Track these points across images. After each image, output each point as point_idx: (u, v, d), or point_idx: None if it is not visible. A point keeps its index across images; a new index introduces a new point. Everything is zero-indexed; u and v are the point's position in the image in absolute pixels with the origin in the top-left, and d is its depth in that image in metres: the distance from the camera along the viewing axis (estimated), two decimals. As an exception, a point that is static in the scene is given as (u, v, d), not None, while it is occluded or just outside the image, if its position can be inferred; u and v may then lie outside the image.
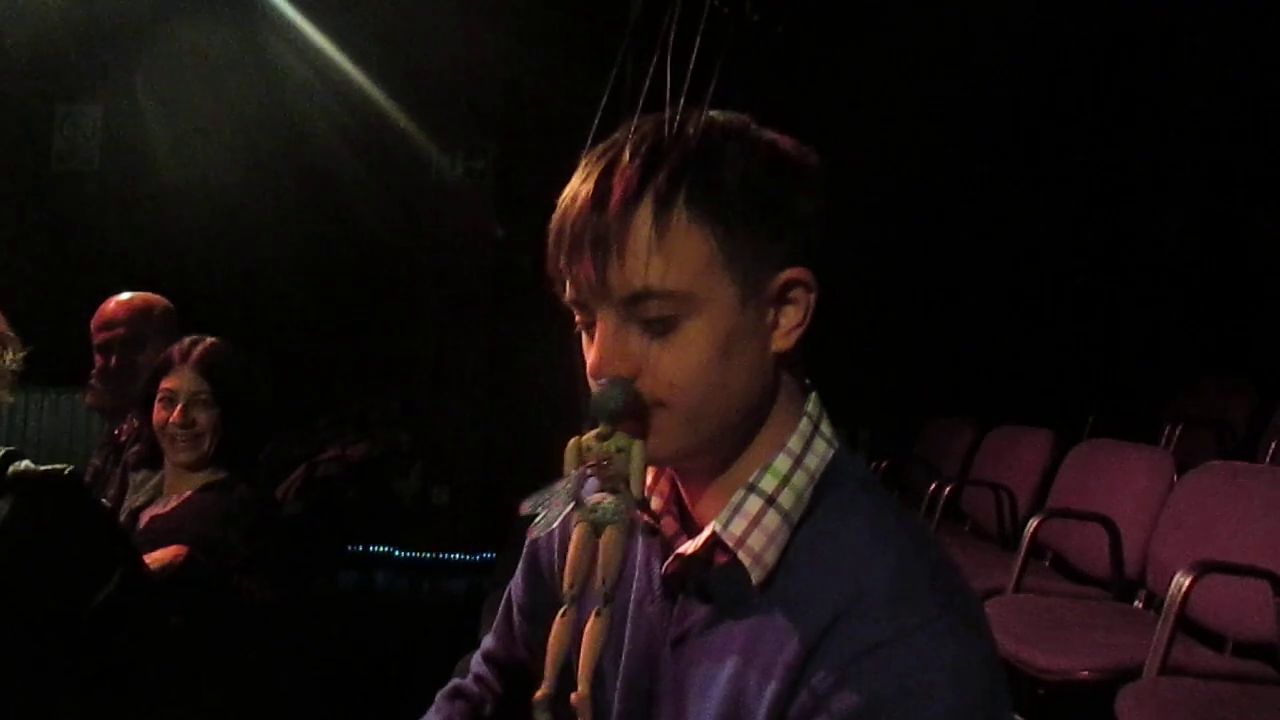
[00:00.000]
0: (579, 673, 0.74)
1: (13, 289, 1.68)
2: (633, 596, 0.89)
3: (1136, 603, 2.74)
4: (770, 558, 0.79)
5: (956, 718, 0.70)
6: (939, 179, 5.03)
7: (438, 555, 5.21)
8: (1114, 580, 2.79)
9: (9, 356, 1.55)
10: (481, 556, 5.17)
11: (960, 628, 0.73)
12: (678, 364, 0.77)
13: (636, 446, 0.77)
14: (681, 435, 0.78)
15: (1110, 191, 5.22)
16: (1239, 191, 4.85)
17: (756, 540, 0.79)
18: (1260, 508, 2.37)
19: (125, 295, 2.49)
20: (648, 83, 0.78)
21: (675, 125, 0.78)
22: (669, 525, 0.87)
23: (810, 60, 4.23)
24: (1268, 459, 3.41)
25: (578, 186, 0.79)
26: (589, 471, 0.77)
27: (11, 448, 1.46)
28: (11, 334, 1.59)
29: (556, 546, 1.00)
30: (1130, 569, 2.76)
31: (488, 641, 1.13)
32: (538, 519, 0.78)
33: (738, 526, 0.79)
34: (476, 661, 1.14)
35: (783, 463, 0.81)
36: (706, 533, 0.81)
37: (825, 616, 0.75)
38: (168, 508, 1.95)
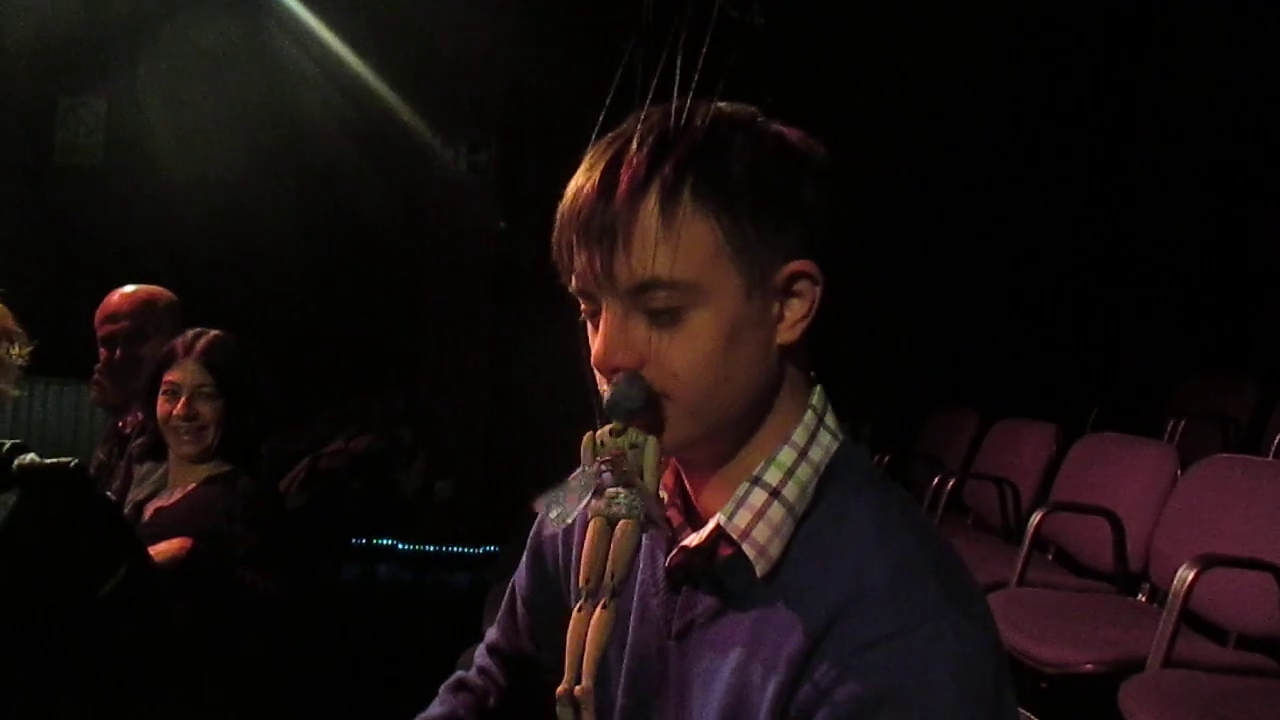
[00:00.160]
0: (584, 666, 0.75)
1: (16, 282, 1.68)
2: (637, 589, 0.89)
3: (1140, 596, 2.74)
4: (774, 550, 0.79)
5: (961, 711, 0.70)
6: (943, 174, 5.03)
7: (441, 548, 5.22)
8: (1117, 574, 2.79)
9: (15, 351, 1.56)
10: (484, 550, 5.17)
11: (964, 621, 0.73)
12: (683, 355, 0.76)
13: (651, 442, 0.77)
14: (686, 426, 0.78)
15: (1113, 186, 5.21)
16: (1242, 187, 4.84)
17: (761, 533, 0.79)
18: (1264, 501, 2.37)
19: (129, 288, 2.49)
20: (655, 80, 0.78)
21: (683, 116, 0.78)
22: (674, 517, 0.87)
23: (814, 57, 4.22)
24: (1271, 453, 3.40)
25: (584, 176, 0.78)
26: (604, 467, 0.77)
27: (17, 440, 1.47)
28: (18, 328, 1.60)
29: (562, 539, 1.00)
30: (1134, 562, 2.76)
31: (491, 634, 1.13)
32: (552, 514, 0.78)
33: (742, 519, 0.79)
34: (480, 654, 1.14)
35: (787, 455, 0.81)
36: (711, 525, 0.81)
37: (829, 609, 0.75)
38: (172, 500, 1.96)
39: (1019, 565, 2.74)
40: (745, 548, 0.79)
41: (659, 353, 0.77)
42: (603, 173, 0.77)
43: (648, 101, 0.79)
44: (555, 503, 0.79)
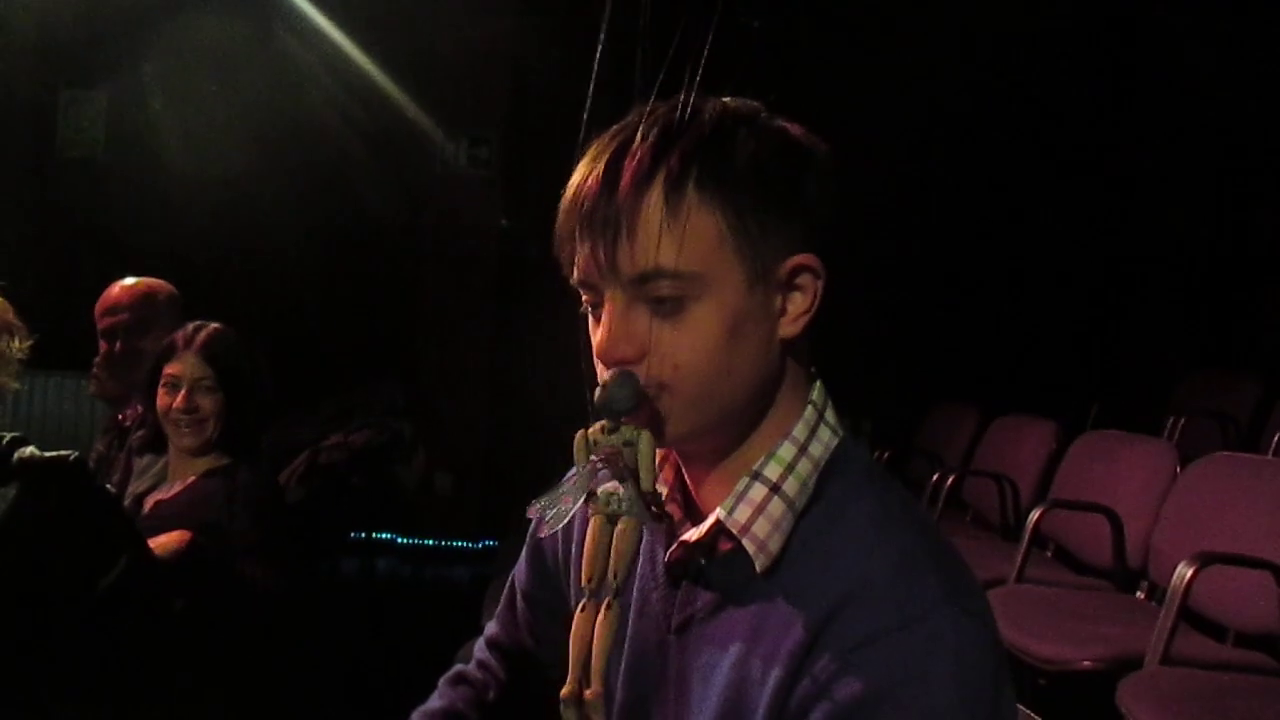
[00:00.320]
0: (592, 668, 0.75)
1: (16, 275, 1.68)
2: (637, 583, 0.89)
3: (1138, 593, 2.75)
4: (775, 545, 0.79)
5: (959, 706, 0.70)
6: (944, 169, 5.03)
7: (440, 542, 5.22)
8: (1116, 571, 2.79)
9: (15, 344, 1.56)
10: (484, 543, 5.18)
11: (964, 617, 0.73)
12: (685, 345, 0.77)
13: (645, 437, 0.77)
14: (687, 418, 0.78)
15: (1114, 183, 5.21)
16: (1243, 184, 4.84)
17: (761, 528, 0.79)
18: (1263, 499, 2.37)
19: (129, 281, 2.49)
20: (660, 76, 0.78)
21: (688, 109, 0.78)
22: (673, 512, 0.87)
23: (816, 54, 4.22)
24: (1271, 451, 3.40)
25: (588, 167, 0.79)
26: (599, 465, 0.77)
27: (17, 434, 1.47)
28: (18, 322, 1.60)
29: (561, 534, 1.00)
30: (1132, 560, 2.76)
31: (491, 628, 1.14)
32: (548, 517, 0.78)
33: (742, 514, 0.79)
34: (479, 648, 1.14)
35: (787, 450, 0.81)
36: (711, 520, 0.81)
37: (829, 604, 0.75)
38: (172, 493, 1.96)
39: (1018, 562, 2.74)
40: (745, 543, 0.79)
41: (661, 343, 0.77)
42: (607, 164, 0.77)
43: (652, 97, 0.79)
44: (551, 506, 0.79)
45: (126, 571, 1.49)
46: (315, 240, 4.86)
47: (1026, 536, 2.75)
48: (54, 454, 1.46)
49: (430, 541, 5.19)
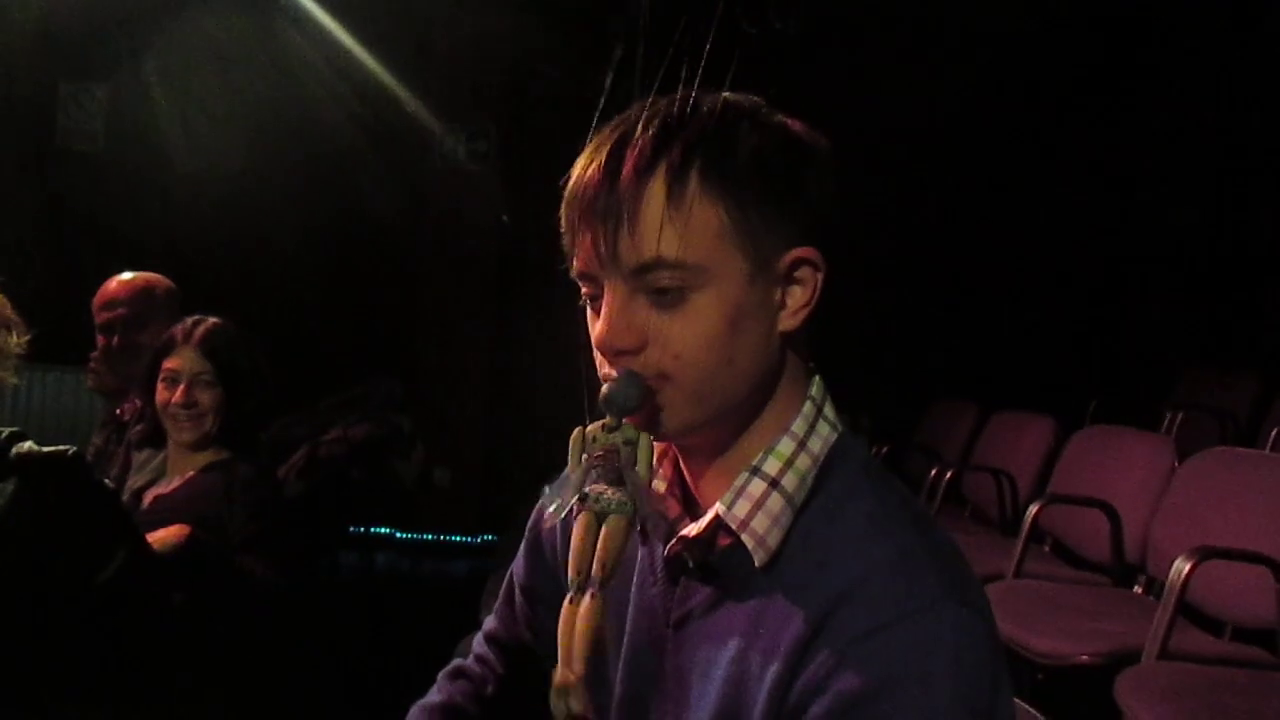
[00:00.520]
0: (574, 653, 0.75)
1: (14, 267, 1.67)
2: (635, 578, 0.89)
3: (1136, 588, 2.75)
4: (773, 540, 0.79)
5: (957, 701, 0.70)
6: (943, 165, 5.02)
7: (439, 536, 5.23)
8: (1114, 565, 2.79)
9: (13, 339, 1.55)
10: (482, 538, 5.19)
11: (962, 611, 0.73)
12: (685, 336, 0.77)
13: (644, 439, 0.78)
14: (687, 410, 0.79)
15: (1113, 179, 5.20)
16: (1241, 179, 4.84)
17: (760, 523, 0.79)
18: (1261, 494, 2.38)
19: (128, 275, 2.49)
20: (661, 69, 0.78)
21: (689, 103, 0.79)
22: (672, 507, 0.87)
23: (816, 49, 4.21)
24: (1268, 446, 3.41)
25: (590, 158, 0.79)
26: (595, 464, 0.77)
27: (15, 429, 1.47)
28: (15, 317, 1.59)
29: (560, 528, 1.00)
30: (1130, 554, 2.76)
31: (489, 622, 1.14)
32: (551, 508, 0.79)
33: (741, 509, 0.79)
34: (478, 642, 1.14)
35: (786, 445, 0.81)
36: (710, 515, 0.81)
37: (827, 599, 0.75)
38: (171, 487, 1.96)
39: (1016, 557, 2.75)
40: (744, 538, 0.79)
41: (661, 333, 0.77)
42: (609, 155, 0.77)
43: (653, 90, 0.79)
44: (554, 496, 0.79)
45: (125, 566, 1.49)
46: (314, 233, 4.86)
47: (1025, 531, 2.75)
48: (52, 449, 1.46)
49: (429, 536, 5.20)
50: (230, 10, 4.84)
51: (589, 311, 0.82)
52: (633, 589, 0.89)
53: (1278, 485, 2.35)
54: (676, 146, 0.76)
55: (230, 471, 1.94)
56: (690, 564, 0.84)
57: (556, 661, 0.76)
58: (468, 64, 5.11)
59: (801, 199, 0.79)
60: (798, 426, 0.82)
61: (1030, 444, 3.60)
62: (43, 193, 4.88)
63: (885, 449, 4.24)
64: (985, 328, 5.03)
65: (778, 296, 0.80)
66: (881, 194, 4.53)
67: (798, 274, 0.80)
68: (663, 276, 0.76)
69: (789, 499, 0.80)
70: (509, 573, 1.11)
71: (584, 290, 0.82)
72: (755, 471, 0.80)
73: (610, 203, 0.76)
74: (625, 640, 0.89)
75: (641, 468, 0.77)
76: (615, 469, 0.77)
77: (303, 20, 4.87)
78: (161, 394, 1.95)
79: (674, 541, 0.84)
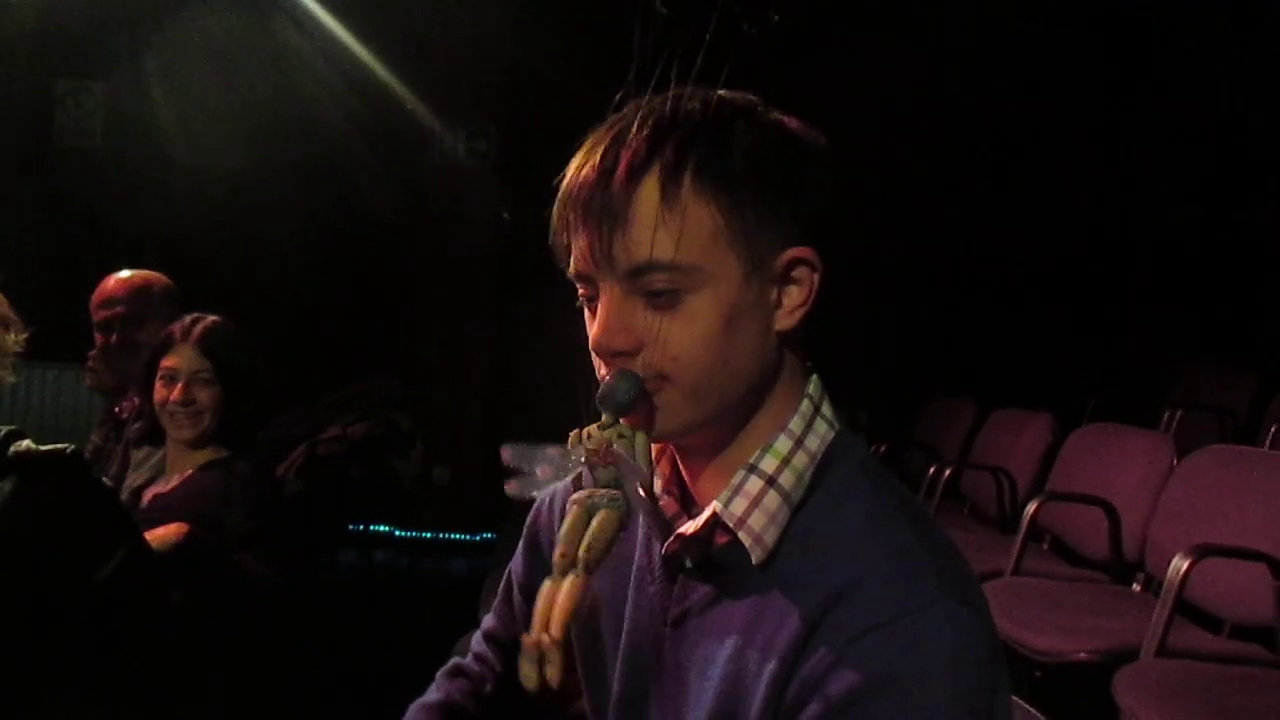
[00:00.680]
0: (552, 619, 0.74)
1: (12, 264, 1.67)
2: (633, 577, 0.89)
3: (1135, 586, 2.75)
4: (771, 538, 0.79)
5: (955, 699, 0.70)
6: (941, 164, 5.02)
7: (438, 535, 5.23)
8: (1113, 563, 2.80)
9: (11, 338, 1.55)
10: (481, 536, 5.19)
11: (960, 609, 0.73)
12: (681, 337, 0.77)
13: (640, 437, 0.78)
14: (684, 410, 0.78)
15: (1112, 177, 5.20)
16: (1240, 177, 4.84)
17: (757, 520, 0.79)
18: (1259, 492, 2.38)
19: (126, 273, 2.49)
20: (658, 67, 0.78)
21: (683, 101, 0.78)
22: (669, 505, 0.87)
23: (814, 46, 4.21)
24: (1267, 444, 3.41)
25: (584, 158, 0.79)
26: (592, 459, 0.77)
27: (13, 427, 1.46)
28: (13, 315, 1.59)
29: (557, 526, 1.00)
30: (1129, 552, 2.76)
31: (488, 621, 1.14)
32: (515, 479, 0.78)
33: (738, 506, 0.79)
34: (477, 641, 1.14)
35: (783, 443, 0.81)
36: (707, 513, 0.81)
37: (824, 597, 0.75)
38: (169, 486, 1.96)
39: (1014, 555, 2.75)
40: (741, 535, 0.79)
41: (657, 335, 0.77)
42: (603, 155, 0.77)
43: (650, 87, 0.79)
44: (525, 461, 0.79)
45: (123, 565, 1.49)
46: (313, 231, 4.86)
47: (1023, 529, 2.75)
48: (50, 447, 1.46)
49: (428, 534, 5.20)
50: (229, 8, 4.83)
51: (586, 312, 0.82)
52: (631, 587, 0.89)
53: (1276, 483, 2.36)
54: (670, 146, 0.76)
55: (229, 470, 1.94)
56: (688, 562, 0.84)
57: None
58: (468, 62, 5.11)
59: (798, 198, 0.79)
60: (795, 425, 0.82)
61: (1029, 442, 3.60)
62: (41, 191, 4.88)
63: (884, 447, 4.24)
64: (984, 325, 5.03)
65: (774, 296, 0.79)
66: (880, 192, 4.52)
67: (794, 274, 0.80)
68: (657, 279, 0.76)
69: (786, 497, 0.80)
70: (507, 571, 1.11)
71: (581, 291, 0.81)
72: (752, 469, 0.80)
73: (604, 204, 0.76)
74: (623, 638, 0.89)
75: (639, 457, 0.77)
76: (608, 468, 0.77)
77: (302, 18, 4.86)
78: (160, 392, 1.95)
79: (672, 539, 0.84)
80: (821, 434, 0.83)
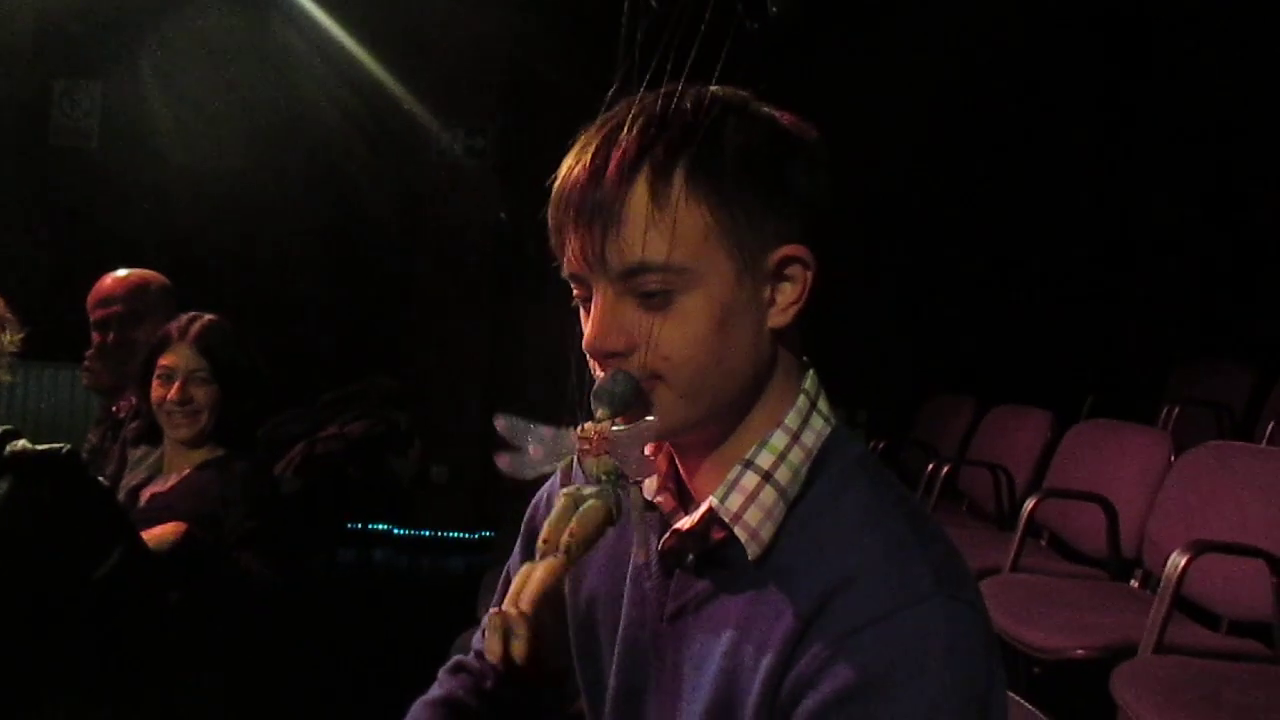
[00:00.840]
0: (524, 593, 0.74)
1: (9, 264, 1.67)
2: (629, 571, 0.89)
3: (1133, 582, 2.75)
4: (766, 533, 0.79)
5: (950, 694, 0.71)
6: (939, 160, 5.02)
7: (436, 533, 5.23)
8: (1111, 560, 2.80)
9: (7, 338, 1.55)
10: (480, 534, 5.19)
11: (955, 604, 0.73)
12: (674, 337, 0.76)
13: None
14: (679, 409, 0.78)
15: (1110, 173, 5.20)
16: (1238, 173, 4.84)
17: (753, 516, 0.79)
18: (1257, 488, 2.38)
19: (122, 272, 2.49)
20: (653, 64, 0.78)
21: (674, 99, 0.78)
22: (666, 501, 0.87)
23: (810, 42, 4.21)
24: (1264, 440, 3.41)
25: (576, 158, 0.78)
26: (589, 456, 0.77)
27: (9, 427, 1.46)
28: (9, 314, 1.59)
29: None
30: (1127, 549, 2.77)
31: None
32: (506, 455, 0.78)
33: (734, 502, 0.79)
34: (477, 639, 1.14)
35: (780, 439, 0.81)
36: (703, 508, 0.81)
37: (820, 592, 0.75)
38: (167, 485, 1.96)
39: (1012, 551, 2.75)
40: (737, 531, 0.79)
41: (650, 336, 0.77)
42: (594, 155, 0.77)
43: (643, 85, 0.79)
44: (517, 435, 0.78)
45: (120, 564, 1.49)
46: (310, 230, 4.86)
47: (1021, 526, 2.75)
48: (47, 447, 1.46)
49: (426, 532, 5.20)
50: (227, 8, 4.83)
51: (581, 312, 0.82)
52: (627, 583, 0.89)
53: (1274, 479, 2.36)
54: (660, 146, 0.75)
55: (227, 469, 1.94)
56: (684, 558, 0.84)
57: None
58: (466, 62, 5.11)
59: (790, 196, 0.78)
60: (791, 420, 0.82)
61: (1027, 438, 3.61)
62: (37, 189, 4.87)
63: (882, 444, 4.24)
64: (982, 322, 5.04)
65: (767, 294, 0.79)
66: (879, 189, 4.52)
67: (787, 271, 0.79)
68: (649, 280, 0.76)
69: (782, 492, 0.80)
70: (506, 568, 1.11)
71: (575, 292, 0.81)
72: (748, 465, 0.80)
73: (595, 205, 0.75)
74: (620, 634, 0.89)
75: (637, 454, 0.77)
76: (602, 461, 0.77)
77: (299, 17, 4.86)
78: (157, 391, 1.95)
79: (668, 535, 0.84)
80: (818, 429, 0.83)
